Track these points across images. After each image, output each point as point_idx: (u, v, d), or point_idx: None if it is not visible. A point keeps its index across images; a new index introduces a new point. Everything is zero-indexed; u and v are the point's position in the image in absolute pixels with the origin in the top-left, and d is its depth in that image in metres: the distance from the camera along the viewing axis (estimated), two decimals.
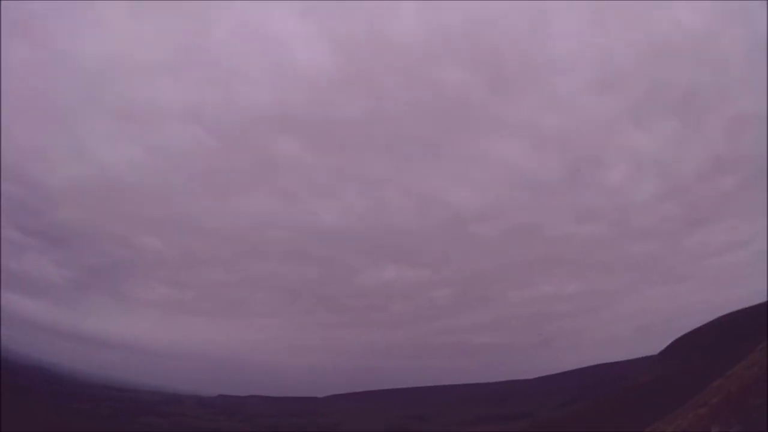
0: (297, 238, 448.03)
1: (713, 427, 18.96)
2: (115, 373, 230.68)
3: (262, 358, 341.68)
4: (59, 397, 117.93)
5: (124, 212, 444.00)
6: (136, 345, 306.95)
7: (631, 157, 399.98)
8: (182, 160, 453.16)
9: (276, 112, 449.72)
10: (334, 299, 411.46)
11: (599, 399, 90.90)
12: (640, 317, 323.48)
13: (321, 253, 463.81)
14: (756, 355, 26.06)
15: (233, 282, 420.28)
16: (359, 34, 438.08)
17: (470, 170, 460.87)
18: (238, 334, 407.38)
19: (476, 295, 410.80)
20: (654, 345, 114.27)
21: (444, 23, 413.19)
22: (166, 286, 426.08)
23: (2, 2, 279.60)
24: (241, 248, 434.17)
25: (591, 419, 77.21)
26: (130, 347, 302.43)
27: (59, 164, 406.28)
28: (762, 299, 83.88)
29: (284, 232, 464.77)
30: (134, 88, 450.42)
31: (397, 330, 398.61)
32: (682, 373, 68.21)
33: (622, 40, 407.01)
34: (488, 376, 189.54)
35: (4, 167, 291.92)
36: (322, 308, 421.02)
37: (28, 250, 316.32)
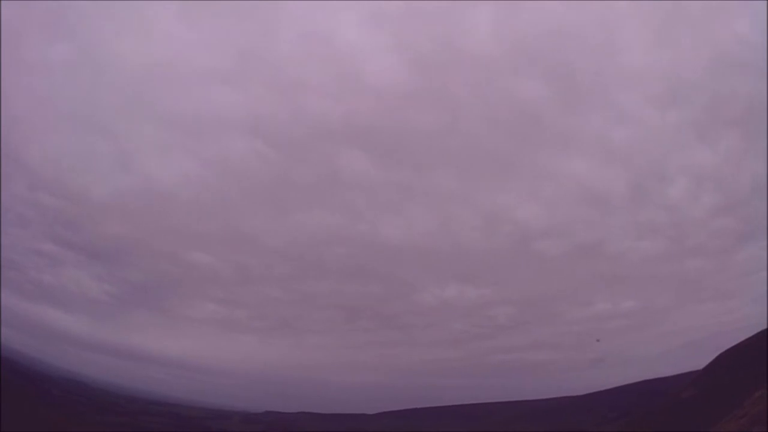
0: (358, 255, 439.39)
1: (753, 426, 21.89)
2: (160, 389, 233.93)
3: (314, 375, 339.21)
4: (92, 410, 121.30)
5: (172, 227, 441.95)
6: (181, 361, 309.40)
7: (692, 171, 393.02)
8: (239, 174, 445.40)
9: (342, 124, 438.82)
10: (393, 317, 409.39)
11: (643, 414, 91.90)
12: (687, 333, 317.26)
13: (382, 270, 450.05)
14: None
15: (289, 300, 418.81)
16: (432, 44, 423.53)
17: (539, 186, 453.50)
18: (290, 352, 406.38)
19: (535, 313, 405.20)
20: (699, 360, 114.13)
21: (518, 34, 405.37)
22: (217, 303, 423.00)
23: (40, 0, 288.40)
24: (299, 265, 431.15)
25: None
26: (175, 364, 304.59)
27: (102, 175, 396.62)
28: None
29: (345, 249, 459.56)
30: (186, 96, 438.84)
31: (454, 348, 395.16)
32: (725, 387, 69.59)
33: (685, 53, 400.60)
34: (537, 393, 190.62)
35: (41, 178, 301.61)
36: (379, 326, 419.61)
37: (65, 264, 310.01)
